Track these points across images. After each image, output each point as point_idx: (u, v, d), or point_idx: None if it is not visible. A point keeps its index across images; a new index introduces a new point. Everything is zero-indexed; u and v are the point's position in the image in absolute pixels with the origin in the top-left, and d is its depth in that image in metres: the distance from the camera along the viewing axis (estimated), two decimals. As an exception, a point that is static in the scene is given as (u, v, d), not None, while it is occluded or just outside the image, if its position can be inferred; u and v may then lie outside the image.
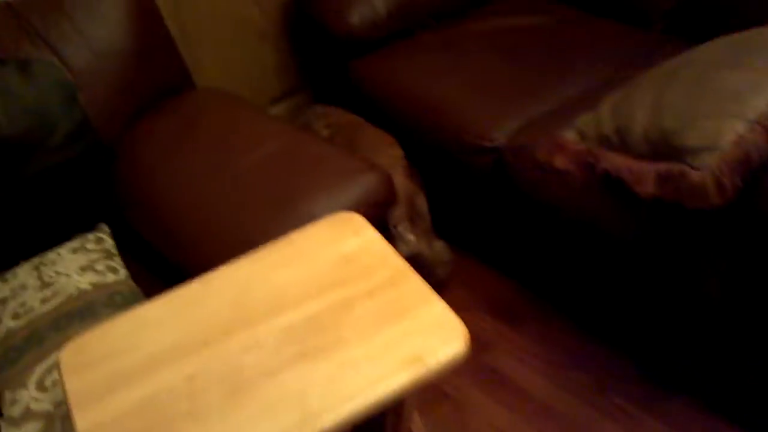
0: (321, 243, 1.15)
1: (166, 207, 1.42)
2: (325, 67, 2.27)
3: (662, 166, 1.26)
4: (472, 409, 1.70)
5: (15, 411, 1.19)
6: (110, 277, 1.39)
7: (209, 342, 1.03)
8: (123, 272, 1.42)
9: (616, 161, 1.39)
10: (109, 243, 1.49)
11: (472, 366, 1.79)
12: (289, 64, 2.40)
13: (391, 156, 1.86)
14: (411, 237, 1.77)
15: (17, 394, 1.22)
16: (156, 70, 1.61)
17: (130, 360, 1.03)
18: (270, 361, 0.99)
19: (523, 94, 1.84)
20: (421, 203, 1.85)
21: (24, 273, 1.42)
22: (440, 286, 1.93)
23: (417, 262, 1.80)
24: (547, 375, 1.75)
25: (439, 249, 1.86)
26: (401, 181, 1.78)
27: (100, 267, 1.41)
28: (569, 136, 1.55)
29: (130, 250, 1.53)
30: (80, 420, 0.95)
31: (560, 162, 1.54)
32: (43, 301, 1.35)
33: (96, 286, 1.36)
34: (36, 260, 1.46)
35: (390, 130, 2.03)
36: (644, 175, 1.29)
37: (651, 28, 2.03)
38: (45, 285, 1.38)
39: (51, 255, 1.46)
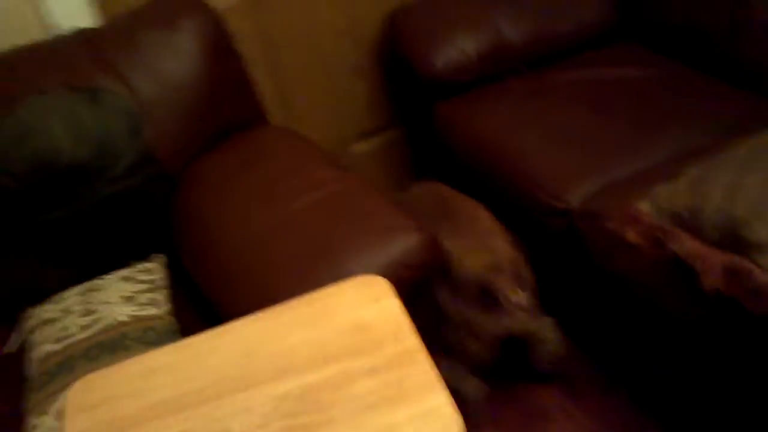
0: (339, 306, 1.10)
1: (210, 245, 1.41)
2: (414, 106, 2.23)
3: (728, 258, 1.13)
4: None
5: (33, 438, 1.21)
6: (150, 311, 1.40)
7: (206, 400, 1.00)
8: (165, 307, 1.43)
9: (685, 244, 1.26)
10: (160, 274, 1.51)
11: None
12: (382, 100, 2.37)
13: (490, 221, 1.73)
14: (515, 305, 1.61)
15: (39, 419, 1.24)
16: (226, 105, 1.63)
17: (129, 407, 1.02)
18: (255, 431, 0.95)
19: (607, 154, 1.72)
20: (526, 274, 1.68)
21: (72, 297, 1.46)
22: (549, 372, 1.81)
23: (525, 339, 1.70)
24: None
25: (547, 325, 1.71)
26: (502, 246, 1.65)
27: (143, 299, 1.42)
28: (644, 207, 1.43)
29: (184, 283, 1.54)
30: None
31: (631, 235, 1.42)
32: (84, 328, 1.37)
33: (134, 319, 1.38)
34: (87, 285, 1.49)
35: (468, 179, 1.97)
36: (712, 265, 1.16)
37: (765, 95, 1.86)
38: (88, 312, 1.41)
39: (101, 281, 1.49)
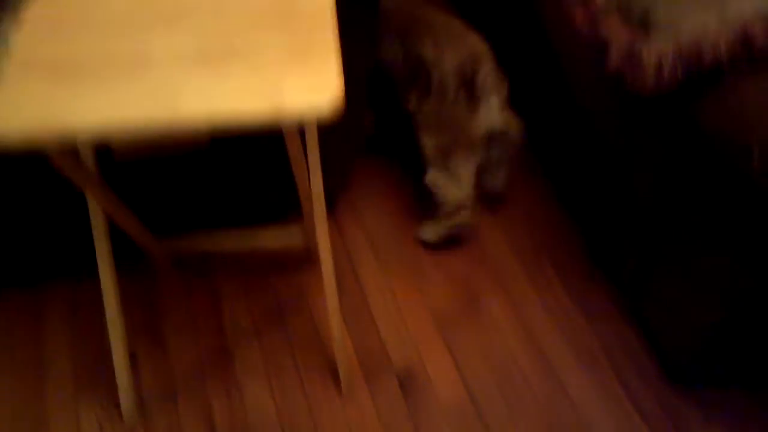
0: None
1: None
2: None
3: (632, 38, 1.23)
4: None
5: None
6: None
7: (148, 22, 1.14)
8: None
9: (611, 26, 1.35)
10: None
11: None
12: None
13: (462, 26, 1.77)
14: (495, 99, 1.67)
15: None
16: None
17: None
18: (173, 58, 1.10)
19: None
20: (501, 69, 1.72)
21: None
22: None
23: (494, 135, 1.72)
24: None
25: (514, 120, 1.74)
26: (480, 43, 1.70)
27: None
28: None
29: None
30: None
31: (579, 17, 1.51)
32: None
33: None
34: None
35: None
36: (620, 45, 1.26)
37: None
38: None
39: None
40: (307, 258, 1.74)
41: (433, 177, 1.74)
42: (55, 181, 1.36)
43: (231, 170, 1.61)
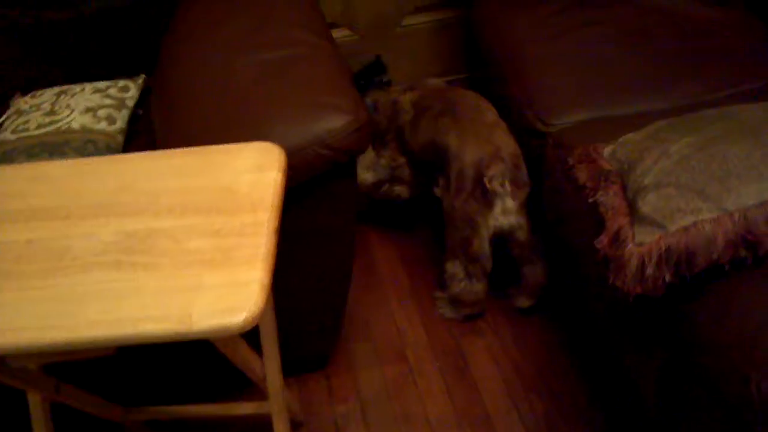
0: (223, 165, 1.12)
1: (169, 79, 1.45)
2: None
3: (623, 222, 1.05)
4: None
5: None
6: (101, 126, 1.46)
7: (64, 216, 1.06)
8: (117, 126, 1.48)
9: (609, 196, 1.18)
10: (132, 95, 1.56)
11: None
12: (443, -24, 2.27)
13: (493, 114, 1.68)
14: (510, 201, 1.59)
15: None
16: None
17: (8, 204, 1.10)
18: (90, 257, 1.00)
19: (618, 88, 1.60)
20: (525, 171, 1.62)
21: (47, 95, 1.54)
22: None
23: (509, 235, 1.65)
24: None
25: (538, 241, 1.67)
26: (506, 140, 1.61)
27: (102, 113, 1.49)
28: (606, 149, 1.35)
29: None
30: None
31: (582, 174, 1.35)
32: (40, 126, 1.46)
33: (83, 129, 1.44)
34: (65, 87, 1.57)
35: (484, 78, 1.90)
36: (611, 225, 1.09)
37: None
38: (52, 112, 1.49)
39: (77, 87, 1.56)
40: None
41: (451, 267, 1.71)
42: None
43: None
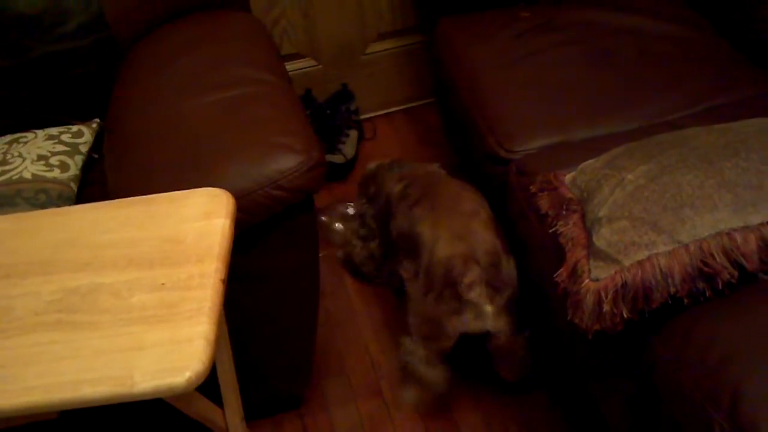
0: (169, 214, 1.09)
1: (121, 123, 1.42)
2: (430, 14, 2.11)
3: (582, 256, 1.03)
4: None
5: None
6: (54, 174, 1.43)
7: (6, 276, 1.03)
8: (71, 173, 1.45)
9: (568, 226, 1.16)
10: (86, 139, 1.53)
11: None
12: (405, 3, 2.26)
13: (473, 203, 1.56)
14: (488, 308, 1.44)
15: None
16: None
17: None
18: (31, 318, 0.97)
19: (581, 112, 1.58)
20: (510, 269, 1.48)
21: (-1, 144, 1.51)
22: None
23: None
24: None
25: (520, 340, 1.52)
26: (483, 236, 1.48)
27: (54, 161, 1.46)
28: (567, 176, 1.32)
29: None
30: None
31: (544, 203, 1.32)
32: (-10, 176, 1.42)
33: (36, 178, 1.41)
34: (17, 135, 1.53)
35: (446, 104, 1.87)
36: (570, 258, 1.06)
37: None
38: (4, 162, 1.45)
39: (30, 135, 1.53)
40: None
41: (408, 348, 1.57)
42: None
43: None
